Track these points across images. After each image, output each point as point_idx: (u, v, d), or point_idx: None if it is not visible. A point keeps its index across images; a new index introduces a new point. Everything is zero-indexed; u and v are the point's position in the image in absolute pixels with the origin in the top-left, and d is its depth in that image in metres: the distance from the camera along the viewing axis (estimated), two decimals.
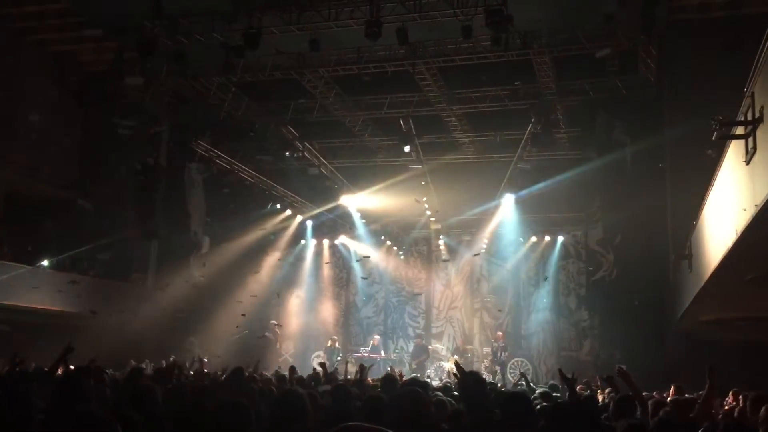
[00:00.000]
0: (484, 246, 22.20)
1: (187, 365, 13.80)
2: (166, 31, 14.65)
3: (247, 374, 8.67)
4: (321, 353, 21.69)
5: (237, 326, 20.18)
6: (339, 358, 20.54)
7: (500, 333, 20.62)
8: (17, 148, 17.06)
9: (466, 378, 5.10)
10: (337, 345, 21.40)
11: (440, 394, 7.09)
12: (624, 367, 6.87)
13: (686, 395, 8.38)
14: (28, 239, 18.01)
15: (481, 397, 4.87)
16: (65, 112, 18.13)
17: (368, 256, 22.83)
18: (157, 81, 16.69)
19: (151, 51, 14.32)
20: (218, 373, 11.43)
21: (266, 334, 21.34)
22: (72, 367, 8.78)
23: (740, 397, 8.99)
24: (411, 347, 22.03)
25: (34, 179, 17.99)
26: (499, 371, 19.48)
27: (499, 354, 19.90)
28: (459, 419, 5.11)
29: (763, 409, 5.11)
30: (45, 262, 17.49)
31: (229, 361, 15.67)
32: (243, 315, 20.20)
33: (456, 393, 7.24)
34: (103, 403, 5.53)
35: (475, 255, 21.92)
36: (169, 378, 7.80)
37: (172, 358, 13.33)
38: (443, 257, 22.78)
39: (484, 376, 16.40)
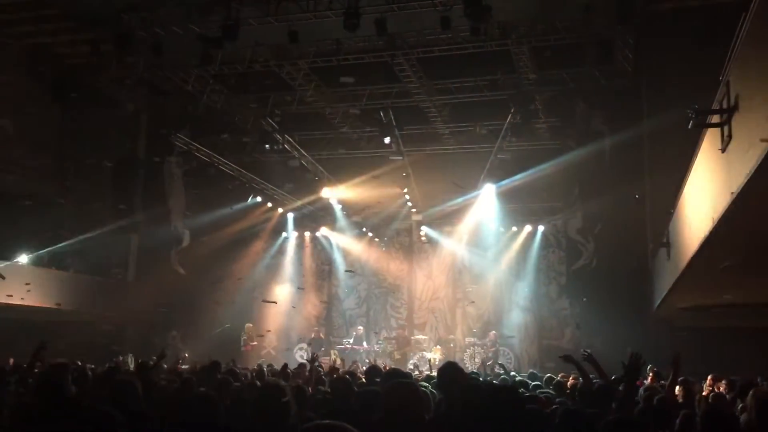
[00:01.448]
0: (465, 237, 22.34)
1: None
2: (142, 22, 14.51)
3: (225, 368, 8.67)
4: (305, 345, 21.66)
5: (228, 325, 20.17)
6: (323, 349, 20.54)
7: (493, 332, 20.52)
8: None
9: (445, 367, 5.12)
10: (321, 336, 21.37)
11: (426, 384, 7.13)
12: (589, 351, 6.98)
13: (662, 381, 8.52)
14: (5, 234, 17.80)
15: (459, 386, 4.91)
16: (41, 105, 17.91)
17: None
18: (134, 73, 16.55)
19: (127, 43, 14.19)
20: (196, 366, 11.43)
21: (243, 337, 21.09)
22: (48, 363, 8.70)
23: (720, 382, 9.14)
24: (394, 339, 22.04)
25: (11, 173, 17.78)
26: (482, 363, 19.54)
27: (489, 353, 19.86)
28: (440, 408, 5.14)
29: (749, 396, 5.18)
30: (23, 258, 17.31)
31: (210, 355, 15.63)
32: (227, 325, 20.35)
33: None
34: (84, 399, 5.50)
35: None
36: (149, 373, 7.76)
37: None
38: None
39: (469, 367, 16.52)
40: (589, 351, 6.91)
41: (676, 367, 6.97)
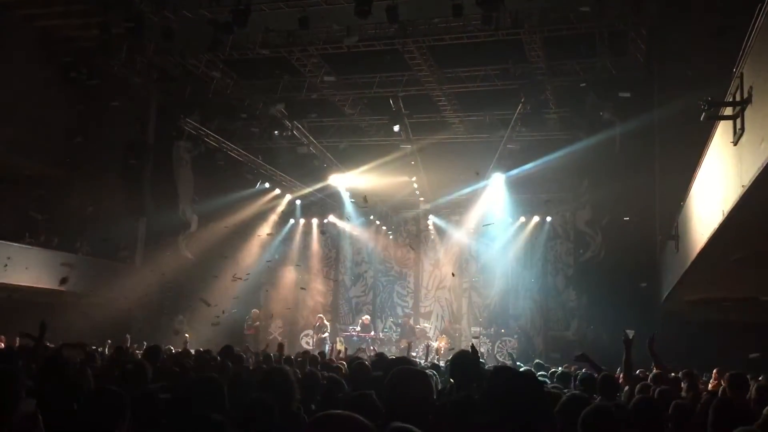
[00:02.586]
0: (472, 227, 22.33)
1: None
2: (153, 6, 14.48)
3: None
4: (310, 332, 21.75)
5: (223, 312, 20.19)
6: (326, 335, 20.56)
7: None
8: (4, 125, 16.87)
9: (458, 355, 5.18)
10: (325, 322, 21.43)
11: (433, 372, 7.16)
12: (581, 353, 7.07)
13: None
14: (15, 217, 17.89)
15: (471, 373, 4.96)
16: (53, 88, 17.93)
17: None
18: (144, 57, 16.54)
19: (138, 27, 14.17)
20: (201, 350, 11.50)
21: (248, 321, 21.16)
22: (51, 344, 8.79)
23: (724, 376, 9.10)
24: (399, 327, 22.09)
25: (21, 156, 17.83)
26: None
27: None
28: (450, 395, 5.17)
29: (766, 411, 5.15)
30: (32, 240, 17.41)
31: (217, 339, 15.71)
32: (236, 298, 20.34)
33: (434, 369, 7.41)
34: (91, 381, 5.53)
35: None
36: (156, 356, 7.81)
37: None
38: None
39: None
40: (581, 353, 7.04)
41: (654, 354, 6.96)
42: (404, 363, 5.63)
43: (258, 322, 21.34)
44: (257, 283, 23.09)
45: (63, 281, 16.03)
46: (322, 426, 2.12)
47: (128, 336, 12.75)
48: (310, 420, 2.21)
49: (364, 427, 2.08)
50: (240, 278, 20.97)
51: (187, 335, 16.06)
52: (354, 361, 8.02)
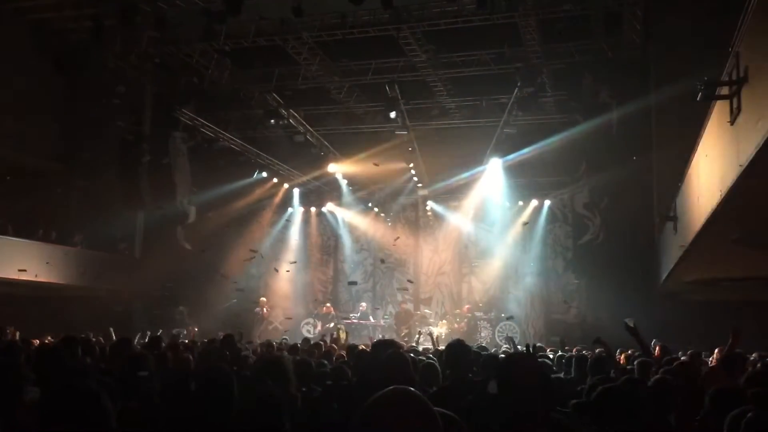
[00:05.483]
0: (471, 212, 22.34)
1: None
2: None
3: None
4: (311, 320, 21.78)
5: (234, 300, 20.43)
6: (331, 325, 20.62)
7: None
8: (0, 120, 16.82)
9: (452, 344, 5.20)
10: (332, 311, 21.45)
11: (433, 358, 7.18)
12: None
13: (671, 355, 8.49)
14: (13, 211, 17.85)
15: (465, 359, 4.98)
16: (46, 81, 17.86)
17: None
18: (138, 48, 16.46)
19: (131, 18, 14.09)
20: (204, 340, 11.53)
21: (256, 309, 21.30)
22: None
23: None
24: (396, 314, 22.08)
25: (18, 150, 17.77)
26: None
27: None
28: (447, 381, 5.20)
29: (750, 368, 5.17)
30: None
31: (218, 330, 15.74)
32: (240, 290, 20.55)
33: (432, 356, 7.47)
34: (90, 373, 5.53)
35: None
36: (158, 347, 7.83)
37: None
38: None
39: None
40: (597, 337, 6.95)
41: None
42: (388, 345, 5.67)
43: (265, 309, 21.50)
44: (257, 272, 23.13)
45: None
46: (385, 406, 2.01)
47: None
48: (373, 399, 2.04)
49: (420, 400, 2.00)
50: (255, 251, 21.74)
51: (196, 329, 16.08)
52: (355, 349, 8.11)
